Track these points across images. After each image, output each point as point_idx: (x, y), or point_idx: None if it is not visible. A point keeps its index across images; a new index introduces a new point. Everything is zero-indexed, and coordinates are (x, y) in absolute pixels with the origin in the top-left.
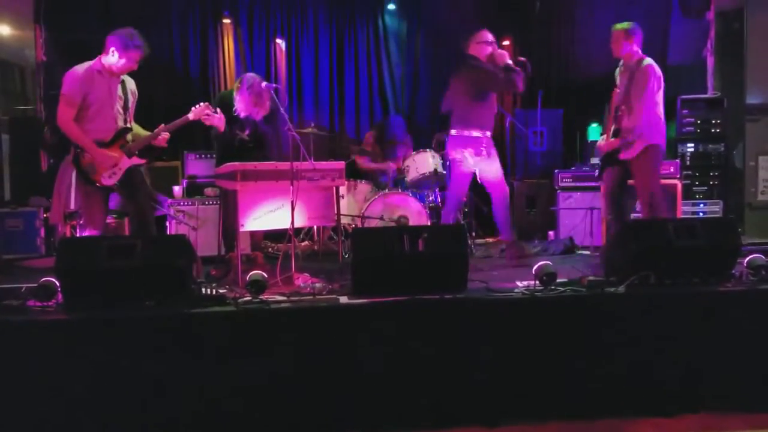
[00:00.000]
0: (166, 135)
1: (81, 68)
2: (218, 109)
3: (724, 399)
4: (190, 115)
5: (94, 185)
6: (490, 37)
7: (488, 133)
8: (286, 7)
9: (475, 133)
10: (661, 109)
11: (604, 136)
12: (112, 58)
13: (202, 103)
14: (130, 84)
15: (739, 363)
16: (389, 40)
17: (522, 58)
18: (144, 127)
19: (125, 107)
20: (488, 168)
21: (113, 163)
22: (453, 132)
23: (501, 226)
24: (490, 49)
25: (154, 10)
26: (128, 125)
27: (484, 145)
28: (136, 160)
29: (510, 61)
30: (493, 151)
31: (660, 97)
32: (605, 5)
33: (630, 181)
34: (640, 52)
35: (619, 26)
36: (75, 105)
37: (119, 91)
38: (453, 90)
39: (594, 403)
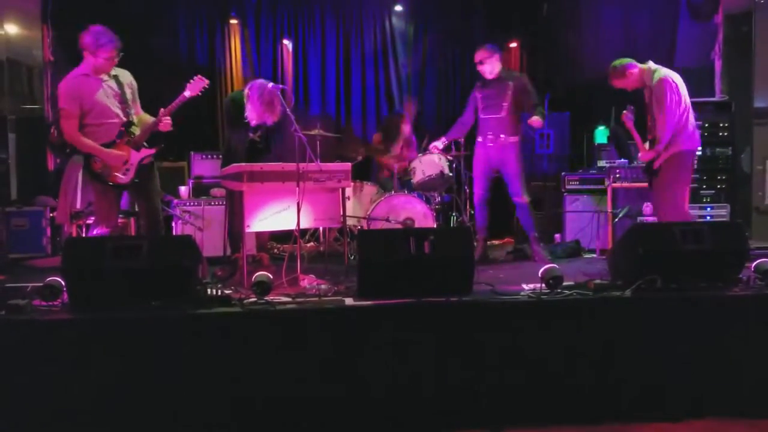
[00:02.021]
0: (168, 119)
1: (69, 78)
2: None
3: (729, 405)
4: (187, 93)
5: (109, 185)
6: (476, 57)
7: (489, 136)
8: (294, 7)
9: (479, 139)
10: (687, 115)
11: (646, 145)
12: (90, 59)
13: (196, 77)
14: (125, 77)
15: (745, 368)
16: (396, 41)
17: None
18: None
19: (124, 101)
20: (503, 171)
21: (124, 161)
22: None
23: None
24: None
25: (162, 10)
26: (131, 118)
27: (485, 149)
28: (145, 152)
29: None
30: (501, 157)
31: (683, 103)
32: (612, 8)
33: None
34: (646, 68)
35: (610, 71)
36: (75, 116)
37: (114, 87)
38: None
39: (598, 408)
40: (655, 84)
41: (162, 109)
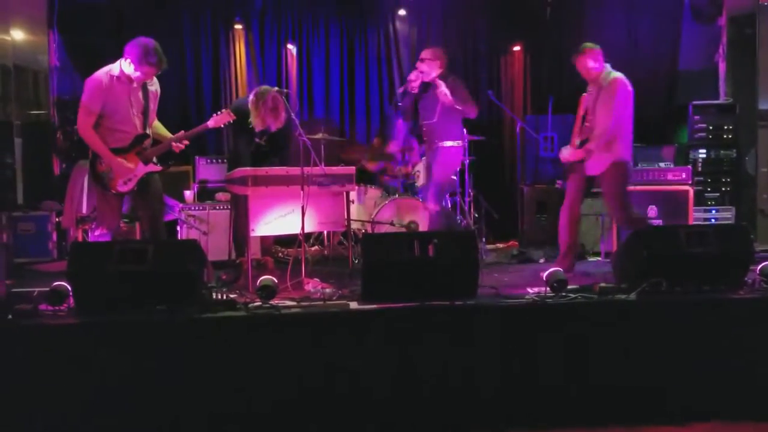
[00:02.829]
0: (185, 142)
1: (100, 75)
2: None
3: (734, 408)
4: (210, 123)
5: (109, 191)
6: (421, 54)
7: (426, 141)
8: (298, 12)
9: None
10: (629, 124)
11: (568, 146)
12: (128, 67)
13: (223, 110)
14: (153, 85)
15: (750, 371)
16: (400, 45)
17: None
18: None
19: (144, 112)
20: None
21: (129, 172)
22: None
23: None
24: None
25: (166, 15)
26: (146, 131)
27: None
28: (152, 167)
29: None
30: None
31: (630, 111)
32: (616, 11)
33: (595, 190)
34: (606, 66)
35: (580, 49)
36: (94, 114)
37: (140, 97)
38: None
39: (603, 411)
40: (609, 82)
41: (182, 132)
